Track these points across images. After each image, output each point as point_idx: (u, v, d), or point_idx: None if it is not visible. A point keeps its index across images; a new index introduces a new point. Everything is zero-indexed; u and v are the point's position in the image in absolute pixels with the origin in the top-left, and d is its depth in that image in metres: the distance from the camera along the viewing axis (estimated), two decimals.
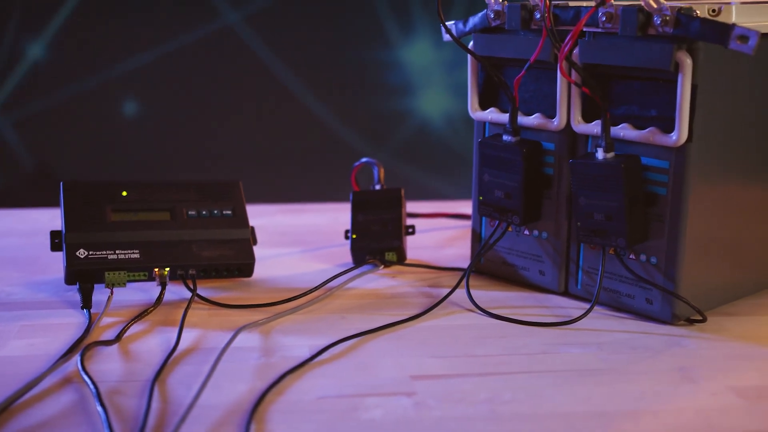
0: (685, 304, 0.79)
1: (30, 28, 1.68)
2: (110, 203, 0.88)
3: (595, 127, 0.81)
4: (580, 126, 0.82)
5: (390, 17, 1.74)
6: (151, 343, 0.76)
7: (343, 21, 1.75)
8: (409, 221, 1.09)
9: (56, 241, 0.86)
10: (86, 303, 0.82)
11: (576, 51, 0.80)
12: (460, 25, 0.89)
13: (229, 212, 0.91)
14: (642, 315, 0.82)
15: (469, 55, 0.89)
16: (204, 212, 0.90)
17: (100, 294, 0.85)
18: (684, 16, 0.73)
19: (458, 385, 0.68)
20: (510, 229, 0.90)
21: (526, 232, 0.89)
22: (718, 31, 0.71)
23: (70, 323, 0.80)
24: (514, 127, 0.85)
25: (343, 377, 0.70)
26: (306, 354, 0.73)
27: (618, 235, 0.79)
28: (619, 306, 0.83)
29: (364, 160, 1.02)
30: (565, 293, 0.88)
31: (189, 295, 0.86)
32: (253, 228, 0.92)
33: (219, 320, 0.81)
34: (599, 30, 0.78)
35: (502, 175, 0.86)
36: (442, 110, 1.79)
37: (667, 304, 0.79)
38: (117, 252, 0.85)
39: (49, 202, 1.14)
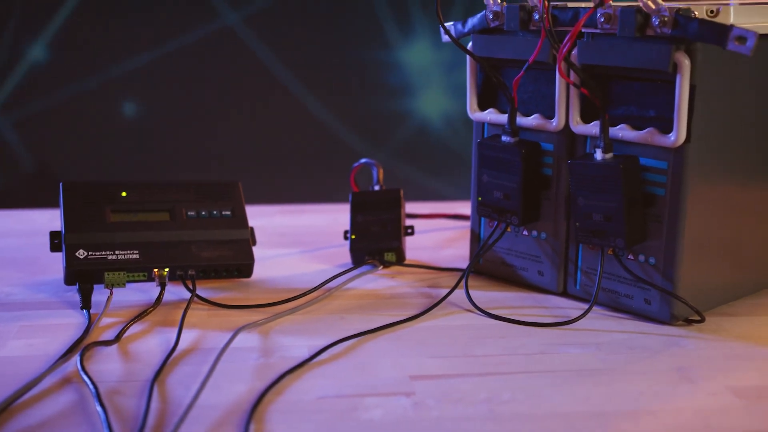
0: (683, 305, 0.79)
1: (30, 28, 1.68)
2: (110, 204, 0.88)
3: (593, 128, 0.81)
4: (578, 127, 0.82)
5: (389, 18, 1.74)
6: (150, 344, 0.76)
7: (342, 22, 1.75)
8: (408, 222, 1.09)
9: (56, 241, 0.86)
10: (86, 303, 0.83)
11: (574, 52, 0.80)
12: (459, 26, 0.89)
13: (228, 213, 0.91)
14: (640, 315, 0.82)
15: (468, 56, 0.89)
16: (203, 213, 0.90)
17: (99, 294, 0.85)
18: (682, 17, 0.73)
19: (457, 385, 0.69)
20: (509, 229, 0.90)
21: (525, 232, 0.89)
22: (716, 32, 0.71)
23: (69, 323, 0.81)
24: (512, 128, 0.86)
25: (342, 377, 0.70)
26: (305, 354, 0.74)
27: (616, 236, 0.79)
28: (618, 306, 0.83)
29: (363, 160, 1.02)
30: (564, 293, 0.88)
31: (188, 295, 0.86)
32: (252, 228, 0.92)
33: (218, 320, 0.81)
34: (598, 31, 0.78)
35: (500, 176, 0.86)
36: (441, 111, 1.79)
37: (665, 304, 0.80)
38: (116, 252, 0.85)
39: (49, 203, 1.14)
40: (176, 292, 0.89)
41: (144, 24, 1.71)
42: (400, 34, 1.75)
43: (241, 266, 0.89)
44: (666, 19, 0.73)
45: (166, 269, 0.86)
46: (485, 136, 0.91)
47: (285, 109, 1.76)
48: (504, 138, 0.86)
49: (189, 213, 0.90)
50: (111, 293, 0.84)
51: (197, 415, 0.63)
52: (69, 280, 0.85)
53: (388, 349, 0.76)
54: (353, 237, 0.97)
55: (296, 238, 1.08)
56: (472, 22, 0.88)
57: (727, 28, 0.71)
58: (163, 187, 0.91)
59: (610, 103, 0.81)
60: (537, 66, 0.83)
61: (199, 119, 1.77)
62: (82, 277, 0.84)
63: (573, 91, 0.82)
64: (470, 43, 0.89)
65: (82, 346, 0.74)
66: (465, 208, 1.18)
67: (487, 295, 0.88)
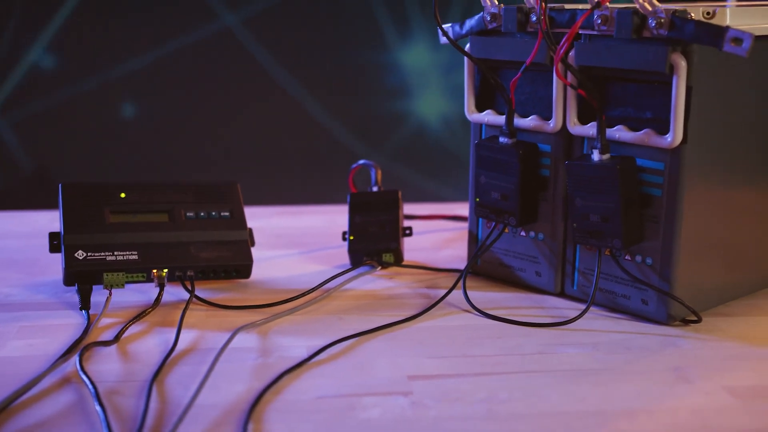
0: (680, 305, 0.79)
1: (29, 29, 1.68)
2: (109, 205, 0.88)
3: (590, 129, 0.81)
4: (575, 128, 0.82)
5: (387, 20, 1.74)
6: (149, 344, 0.77)
7: (340, 23, 1.75)
8: (407, 223, 1.10)
9: (55, 242, 0.86)
10: (85, 304, 0.83)
11: (572, 53, 0.80)
12: (457, 28, 0.90)
13: (227, 214, 0.91)
14: (637, 315, 0.82)
15: (465, 58, 0.89)
16: (202, 214, 0.91)
17: (98, 295, 0.85)
18: (678, 18, 0.73)
19: (455, 384, 0.69)
20: (506, 230, 0.90)
21: (523, 233, 0.89)
22: (713, 34, 0.72)
23: (68, 324, 0.81)
24: (510, 129, 0.86)
25: (340, 377, 0.70)
26: (303, 354, 0.74)
27: (614, 236, 0.79)
28: (615, 307, 0.83)
29: (361, 162, 1.02)
30: (562, 294, 0.88)
31: (187, 296, 0.86)
32: (251, 229, 0.92)
33: (217, 321, 0.82)
34: (595, 32, 0.79)
35: (498, 177, 0.87)
36: (439, 112, 1.79)
37: (662, 304, 0.80)
38: (115, 253, 0.85)
39: (48, 204, 1.14)
40: (175, 292, 0.89)
41: (143, 25, 1.71)
42: (398, 35, 1.75)
43: (240, 267, 0.89)
44: (662, 20, 0.74)
45: (165, 270, 0.86)
46: (483, 137, 0.91)
47: (283, 110, 1.76)
48: (501, 139, 0.86)
49: (188, 214, 0.90)
50: (110, 294, 0.84)
51: (196, 415, 0.63)
52: (68, 280, 0.85)
53: (386, 349, 0.76)
54: (351, 238, 0.97)
55: (295, 239, 1.09)
56: (469, 23, 0.88)
57: (723, 30, 0.71)
58: (162, 188, 0.91)
59: (607, 105, 0.81)
60: (534, 67, 0.84)
61: (198, 121, 1.77)
62: (82, 278, 0.84)
63: (570, 92, 0.82)
64: (468, 45, 0.89)
65: (81, 347, 0.74)
66: (463, 209, 1.19)
67: (485, 296, 0.88)
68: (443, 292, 0.87)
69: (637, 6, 0.75)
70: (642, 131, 0.78)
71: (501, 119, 0.88)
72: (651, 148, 0.78)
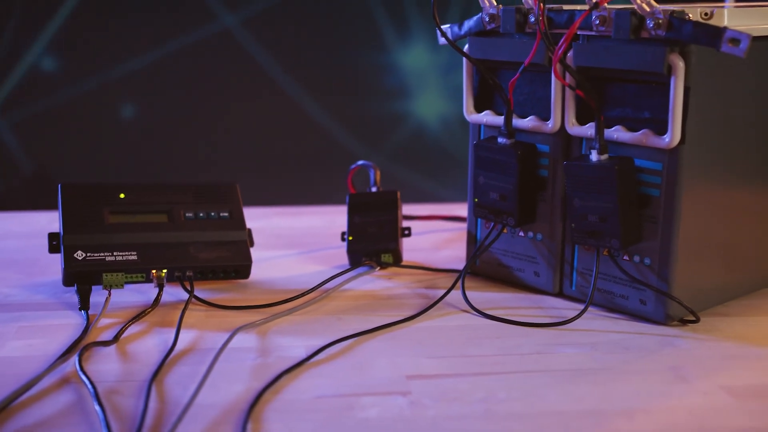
0: (678, 305, 0.79)
1: (28, 30, 1.68)
2: (108, 205, 0.89)
3: (589, 130, 0.81)
4: (574, 128, 0.83)
5: (386, 21, 1.75)
6: (148, 344, 0.77)
7: (339, 24, 1.75)
8: (405, 223, 1.10)
9: (54, 243, 0.86)
10: (84, 304, 0.83)
11: (570, 54, 0.80)
12: (456, 29, 0.90)
13: (226, 214, 0.91)
14: (636, 315, 0.82)
15: (464, 59, 0.89)
16: (201, 214, 0.91)
17: (97, 295, 0.85)
18: (676, 19, 0.74)
19: (453, 384, 0.69)
20: (505, 230, 0.91)
21: (521, 233, 0.90)
22: (710, 34, 0.72)
23: (68, 324, 0.81)
24: (509, 130, 0.86)
25: (339, 377, 0.70)
26: (302, 354, 0.74)
27: (612, 237, 0.79)
28: (613, 307, 0.84)
29: (360, 162, 1.03)
30: (560, 294, 0.88)
31: (186, 296, 0.86)
32: (250, 230, 0.92)
33: (216, 321, 0.82)
34: (593, 33, 0.79)
35: (497, 177, 0.87)
36: (438, 113, 1.79)
37: (660, 304, 0.80)
38: (115, 254, 0.85)
39: (48, 205, 1.14)
40: (174, 293, 0.89)
41: (142, 26, 1.71)
42: (397, 36, 1.76)
43: (239, 267, 0.90)
44: (660, 21, 0.74)
45: (164, 270, 0.86)
46: (482, 137, 0.91)
47: (282, 111, 1.77)
48: (500, 140, 0.87)
49: (187, 214, 0.90)
50: (109, 294, 0.84)
51: (195, 415, 0.64)
52: (67, 281, 0.85)
53: (385, 349, 0.76)
54: (350, 238, 0.97)
55: (294, 240, 1.09)
56: (468, 24, 0.89)
57: (720, 30, 0.72)
58: (161, 189, 0.91)
59: (606, 105, 0.81)
60: (533, 68, 0.84)
61: (197, 121, 1.77)
62: (81, 279, 0.84)
63: (568, 93, 0.82)
64: (467, 46, 0.89)
65: (80, 347, 0.74)
66: (462, 209, 1.19)
67: (484, 296, 0.89)
68: (442, 292, 0.87)
69: (635, 7, 0.75)
70: (640, 132, 0.78)
71: (500, 120, 0.88)
72: (649, 149, 0.78)
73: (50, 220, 1.14)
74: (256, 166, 1.77)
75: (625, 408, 0.66)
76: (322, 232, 1.12)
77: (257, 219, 1.13)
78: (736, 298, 0.87)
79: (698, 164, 0.78)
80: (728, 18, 0.77)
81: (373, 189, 1.01)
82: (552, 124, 0.84)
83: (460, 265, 0.97)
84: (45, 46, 1.69)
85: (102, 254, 0.85)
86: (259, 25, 1.72)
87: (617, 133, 0.79)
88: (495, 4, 0.86)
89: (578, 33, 0.80)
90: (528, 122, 0.86)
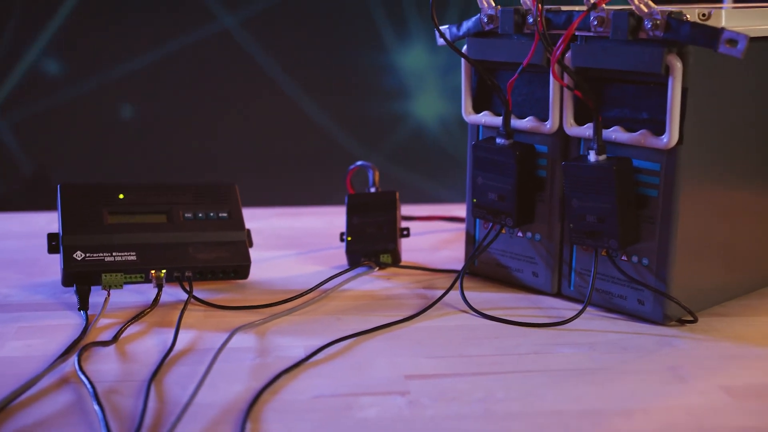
0: (676, 305, 0.80)
1: (28, 30, 1.68)
2: (107, 206, 0.89)
3: (587, 130, 0.81)
4: (572, 129, 0.83)
5: (385, 22, 1.75)
6: (147, 344, 0.77)
7: (338, 25, 1.76)
8: (404, 224, 1.10)
9: (53, 243, 0.87)
10: (83, 305, 0.83)
11: (568, 55, 0.81)
12: (454, 30, 0.90)
13: (225, 215, 0.92)
14: (634, 316, 0.82)
15: (462, 59, 0.90)
16: (200, 215, 0.91)
17: (97, 296, 0.85)
18: (674, 20, 0.74)
19: (452, 384, 0.69)
20: (503, 231, 0.91)
21: (520, 234, 0.90)
22: (708, 35, 0.72)
23: (67, 324, 0.81)
24: (507, 130, 0.86)
25: (338, 377, 0.70)
26: (301, 354, 0.74)
27: (610, 237, 0.79)
28: (611, 307, 0.84)
29: (359, 163, 1.03)
30: (558, 294, 0.88)
31: (185, 296, 0.86)
32: (249, 230, 0.92)
33: (215, 321, 0.82)
34: (591, 34, 0.79)
35: (495, 178, 0.87)
36: (437, 114, 1.79)
37: (658, 304, 0.80)
38: (114, 254, 0.86)
39: (47, 206, 1.14)
40: (173, 293, 0.89)
41: (142, 26, 1.71)
42: (395, 37, 1.76)
43: (238, 268, 0.90)
44: (658, 22, 0.74)
45: (164, 271, 0.86)
46: (480, 138, 0.92)
47: (282, 112, 1.77)
48: (498, 140, 0.87)
49: (186, 215, 0.90)
50: (108, 294, 0.85)
51: (194, 414, 0.64)
52: (67, 281, 0.85)
53: (384, 349, 0.76)
54: (349, 239, 0.97)
55: (292, 240, 1.09)
56: (467, 25, 0.89)
57: (718, 31, 0.72)
58: (160, 189, 0.91)
59: (604, 106, 0.81)
60: (531, 69, 0.84)
61: (196, 122, 1.77)
62: (80, 279, 0.85)
63: (567, 93, 0.82)
64: (465, 46, 0.89)
65: (79, 347, 0.74)
66: (460, 210, 1.19)
67: (482, 296, 0.89)
68: (440, 292, 0.88)
69: (633, 8, 0.75)
70: (638, 132, 0.78)
71: (498, 120, 0.88)
72: (647, 149, 0.78)
73: (49, 221, 1.14)
74: (255, 166, 1.77)
75: (623, 408, 0.66)
76: (321, 232, 1.12)
77: (256, 219, 1.13)
78: (734, 298, 0.88)
79: (696, 165, 0.78)
80: (726, 19, 0.77)
81: (372, 189, 1.01)
82: (550, 125, 0.84)
83: (459, 265, 0.97)
84: (45, 46, 1.69)
85: (101, 254, 0.85)
86: (259, 26, 1.72)
87: (615, 133, 0.80)
88: (493, 5, 0.86)
89: (576, 34, 0.80)
90: (526, 123, 0.86)
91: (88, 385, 0.67)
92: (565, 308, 0.85)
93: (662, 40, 0.75)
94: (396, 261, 0.97)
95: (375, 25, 1.75)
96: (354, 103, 1.79)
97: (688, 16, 0.74)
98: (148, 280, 0.86)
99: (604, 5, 0.77)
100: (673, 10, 0.75)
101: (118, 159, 1.77)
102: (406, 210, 1.14)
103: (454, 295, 0.88)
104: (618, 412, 0.65)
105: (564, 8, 0.82)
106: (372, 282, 0.93)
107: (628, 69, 0.77)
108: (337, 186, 1.21)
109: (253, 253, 0.94)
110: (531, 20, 0.83)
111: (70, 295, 0.88)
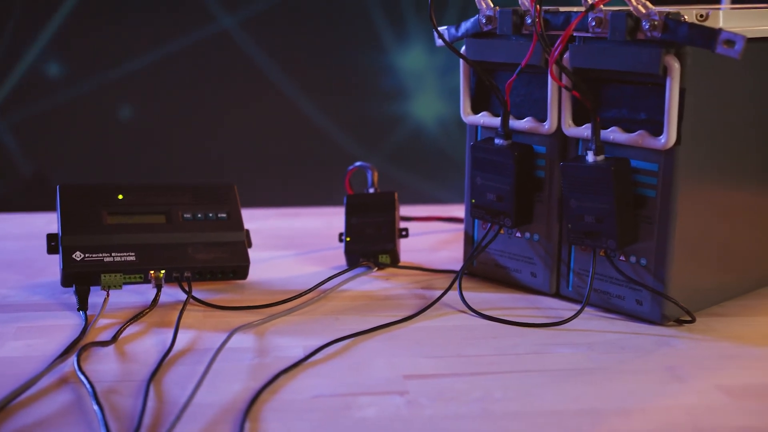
0: (674, 305, 0.80)
1: (28, 31, 1.69)
2: (106, 206, 0.89)
3: (585, 131, 0.82)
4: (570, 129, 0.83)
5: (384, 22, 1.75)
6: (146, 344, 0.77)
7: (338, 26, 1.76)
8: (403, 224, 1.10)
9: (53, 244, 0.87)
10: (82, 305, 0.83)
11: (566, 55, 0.81)
12: (453, 30, 0.90)
13: (224, 215, 0.92)
14: (632, 316, 0.83)
15: (461, 60, 0.90)
16: (199, 215, 0.91)
17: (96, 296, 0.86)
18: (672, 20, 0.74)
19: (450, 384, 0.69)
20: (502, 231, 0.91)
21: (518, 234, 0.90)
22: (705, 36, 0.72)
23: (66, 325, 0.81)
24: (505, 131, 0.86)
25: (336, 377, 0.71)
26: (300, 354, 0.74)
27: (608, 237, 0.79)
28: (610, 307, 0.84)
29: (358, 164, 1.03)
30: (556, 295, 0.88)
31: (184, 297, 0.86)
32: (248, 231, 0.92)
33: (214, 321, 0.82)
34: (589, 35, 0.79)
35: (494, 178, 0.87)
36: (435, 114, 1.80)
37: (656, 305, 0.80)
38: (113, 254, 0.86)
39: (46, 206, 1.15)
40: (172, 293, 0.89)
41: (142, 27, 1.71)
42: (394, 38, 1.76)
43: (237, 268, 0.90)
44: (656, 23, 0.74)
45: (163, 271, 0.86)
46: (478, 139, 0.92)
47: (281, 112, 1.77)
48: (497, 141, 0.87)
49: (185, 215, 0.90)
50: (107, 295, 0.85)
51: (193, 414, 0.64)
52: (66, 282, 0.85)
53: (382, 349, 0.76)
54: (348, 239, 0.97)
55: (291, 241, 1.09)
56: (465, 26, 0.89)
57: (715, 32, 0.72)
58: (159, 190, 0.92)
59: (602, 106, 0.81)
60: (529, 69, 0.84)
61: (195, 122, 1.78)
62: (79, 279, 0.85)
63: (565, 94, 0.82)
64: (464, 47, 0.89)
65: (79, 347, 0.74)
66: (459, 210, 1.19)
67: (481, 297, 0.89)
68: (439, 292, 0.88)
69: (631, 8, 0.75)
70: (636, 133, 0.78)
71: (496, 121, 0.88)
72: (645, 150, 0.79)
73: (49, 221, 1.14)
74: (254, 166, 1.77)
75: (621, 408, 0.66)
76: (319, 233, 1.12)
77: (255, 220, 1.13)
78: (732, 298, 0.88)
79: (694, 165, 0.79)
80: (724, 20, 0.77)
81: (371, 190, 1.01)
82: (548, 126, 0.85)
83: (458, 265, 0.97)
84: (45, 46, 1.69)
85: (100, 255, 0.85)
86: (258, 27, 1.73)
87: (613, 134, 0.80)
88: (492, 5, 0.87)
89: (574, 34, 0.81)
90: (525, 123, 0.86)
91: (88, 385, 0.67)
92: (564, 308, 0.85)
93: (660, 41, 0.75)
94: (395, 261, 0.97)
95: (374, 26, 1.75)
96: (353, 103, 1.79)
97: (686, 17, 0.74)
98: (147, 281, 0.86)
99: (602, 6, 0.77)
100: (670, 11, 0.75)
101: (118, 159, 1.77)
102: (404, 210, 1.14)
103: (453, 295, 0.88)
104: (616, 412, 0.65)
105: (562, 9, 0.82)
106: (371, 282, 0.94)
107: (626, 70, 0.77)
108: (335, 186, 1.21)
109: (252, 253, 0.94)
110: (529, 21, 0.83)
111: (70, 296, 0.88)
